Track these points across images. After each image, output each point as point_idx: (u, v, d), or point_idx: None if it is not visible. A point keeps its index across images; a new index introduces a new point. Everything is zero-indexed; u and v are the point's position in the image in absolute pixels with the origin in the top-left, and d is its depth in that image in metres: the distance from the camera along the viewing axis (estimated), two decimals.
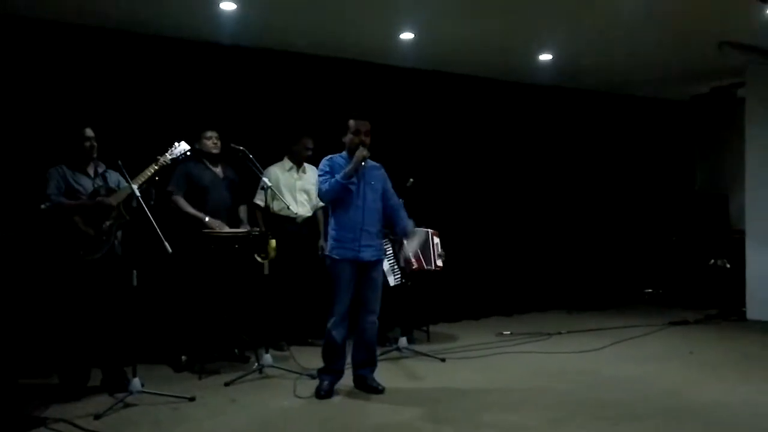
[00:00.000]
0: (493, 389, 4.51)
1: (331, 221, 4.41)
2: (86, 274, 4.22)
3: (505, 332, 6.42)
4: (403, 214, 4.62)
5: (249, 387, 4.53)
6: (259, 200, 5.51)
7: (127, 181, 4.21)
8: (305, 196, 5.73)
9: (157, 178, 4.42)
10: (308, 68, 6.43)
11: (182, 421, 3.84)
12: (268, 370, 4.76)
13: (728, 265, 8.01)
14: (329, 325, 4.32)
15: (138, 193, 4.14)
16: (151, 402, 4.08)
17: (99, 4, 4.99)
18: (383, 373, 4.59)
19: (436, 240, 5.93)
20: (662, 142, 9.08)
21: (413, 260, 5.71)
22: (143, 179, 4.30)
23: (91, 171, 4.43)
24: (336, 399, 4.28)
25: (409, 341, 5.60)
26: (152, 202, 4.31)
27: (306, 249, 5.68)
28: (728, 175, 8.53)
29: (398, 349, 5.42)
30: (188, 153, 4.63)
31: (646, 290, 8.75)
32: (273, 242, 4.81)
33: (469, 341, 6.03)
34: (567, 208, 8.20)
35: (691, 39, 6.25)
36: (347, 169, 4.25)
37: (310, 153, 5.76)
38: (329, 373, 4.39)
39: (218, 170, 5.20)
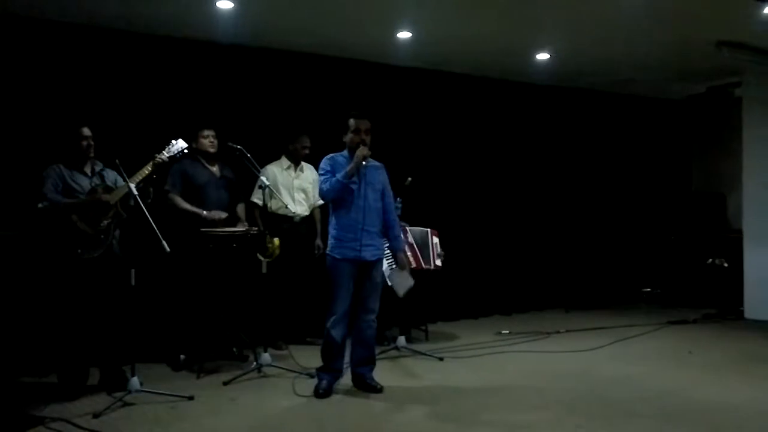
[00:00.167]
0: (492, 388, 4.51)
1: (332, 220, 4.40)
2: (84, 273, 4.21)
3: (503, 331, 6.43)
4: (397, 231, 4.61)
5: (247, 386, 4.52)
6: (257, 199, 5.50)
7: (125, 180, 4.20)
8: (303, 195, 5.73)
9: (154, 177, 4.42)
10: (306, 67, 6.43)
11: (181, 420, 3.83)
12: (266, 369, 4.75)
13: (726, 265, 8.02)
14: (328, 324, 4.31)
15: (135, 192, 4.13)
16: (150, 401, 4.08)
17: (96, 3, 4.98)
18: (382, 372, 4.59)
19: (436, 239, 5.94)
20: (660, 142, 9.09)
21: (411, 259, 5.72)
22: (140, 177, 4.30)
23: (88, 170, 4.42)
24: (334, 398, 4.28)
25: (408, 340, 5.60)
26: (150, 201, 4.31)
27: (304, 248, 5.68)
28: (725, 175, 8.54)
29: (397, 348, 5.42)
30: (185, 151, 4.62)
31: (644, 290, 8.76)
32: (277, 241, 4.81)
33: (467, 340, 6.03)
34: (565, 208, 8.20)
35: (689, 39, 6.26)
36: (348, 168, 4.25)
37: (307, 152, 5.75)
38: (328, 372, 4.38)
39: (215, 169, 5.19)
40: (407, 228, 5.85)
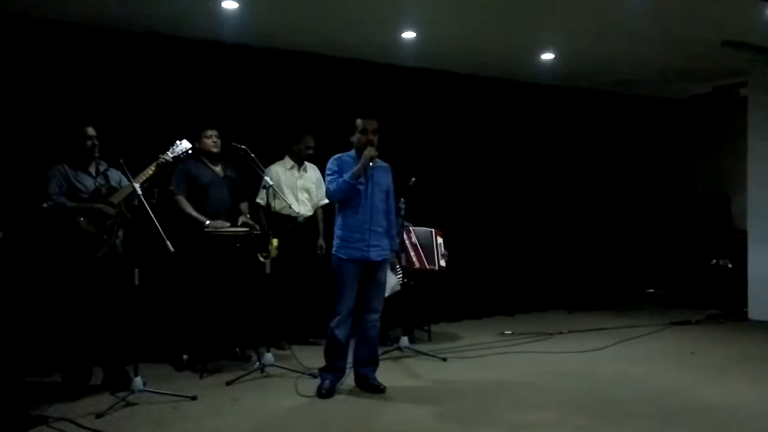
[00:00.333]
0: (494, 388, 4.51)
1: (338, 220, 4.40)
2: (88, 272, 4.22)
3: (506, 332, 6.42)
4: (394, 231, 4.63)
5: (250, 386, 4.53)
6: (261, 199, 5.51)
7: (129, 180, 4.21)
8: (306, 195, 5.73)
9: (158, 177, 4.42)
10: (309, 67, 6.43)
11: (184, 419, 3.84)
12: (269, 369, 4.75)
13: (730, 265, 7.99)
14: (333, 323, 4.32)
15: (140, 192, 4.13)
16: (153, 401, 4.09)
17: (100, 2, 4.99)
18: (384, 373, 4.59)
19: (440, 240, 5.93)
20: (664, 142, 9.07)
21: (415, 260, 5.72)
22: (144, 177, 4.31)
23: (92, 170, 4.43)
24: (337, 398, 4.28)
25: (411, 341, 5.59)
26: (154, 201, 4.31)
27: (307, 248, 5.69)
28: (730, 175, 8.51)
29: (399, 348, 5.42)
30: (189, 151, 4.62)
31: (648, 290, 8.74)
32: (275, 241, 4.82)
33: (470, 341, 6.03)
34: (569, 208, 8.19)
35: (693, 38, 6.24)
36: (355, 168, 4.25)
37: (311, 152, 5.76)
38: (331, 371, 4.39)
39: (218, 169, 5.19)
40: (411, 228, 5.85)
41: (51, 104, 5.16)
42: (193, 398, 4.16)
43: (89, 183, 4.37)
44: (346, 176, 4.25)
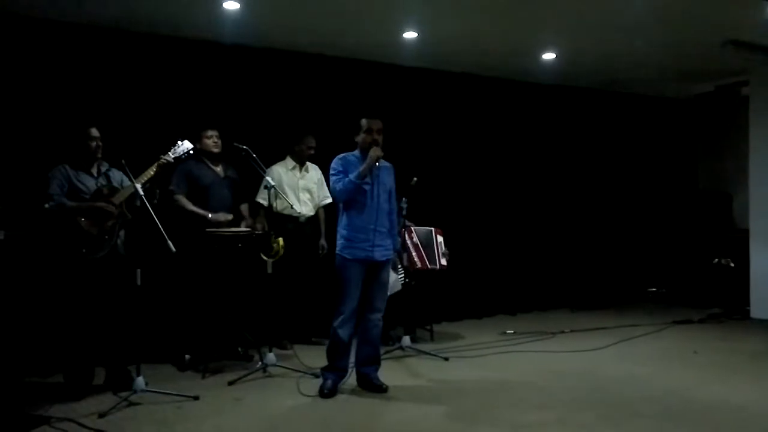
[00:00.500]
0: (496, 388, 4.51)
1: (342, 220, 4.39)
2: (90, 273, 4.22)
3: (508, 331, 6.42)
4: (395, 231, 4.63)
5: (252, 386, 4.53)
6: (263, 199, 5.51)
7: (131, 180, 4.21)
8: (308, 195, 5.74)
9: (160, 177, 4.43)
10: (311, 67, 6.44)
11: (186, 419, 3.84)
12: (271, 369, 4.76)
13: (732, 264, 7.99)
14: (336, 323, 4.31)
15: (141, 192, 4.14)
16: (155, 401, 4.09)
17: (100, 3, 4.99)
18: (386, 372, 4.59)
19: (440, 238, 5.93)
20: (665, 141, 9.06)
21: (416, 260, 5.72)
22: (146, 178, 4.31)
23: (94, 170, 4.44)
24: (339, 398, 4.28)
25: (413, 340, 5.60)
26: (155, 201, 4.30)
27: (309, 248, 5.69)
28: (732, 174, 8.52)
29: (401, 347, 5.41)
30: (191, 152, 4.63)
31: (650, 289, 8.74)
32: (281, 240, 4.82)
33: (472, 340, 6.03)
34: (570, 207, 8.19)
35: (695, 37, 6.24)
36: (361, 168, 4.25)
37: (312, 152, 5.76)
38: (333, 371, 4.39)
39: (219, 169, 5.20)
40: (413, 228, 5.85)
41: (51, 105, 5.18)
42: (196, 398, 4.16)
43: (91, 183, 4.37)
44: (352, 176, 4.25)
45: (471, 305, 7.27)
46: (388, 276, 4.55)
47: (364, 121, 4.39)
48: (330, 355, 4.39)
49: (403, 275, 5.68)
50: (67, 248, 4.20)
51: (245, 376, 4.64)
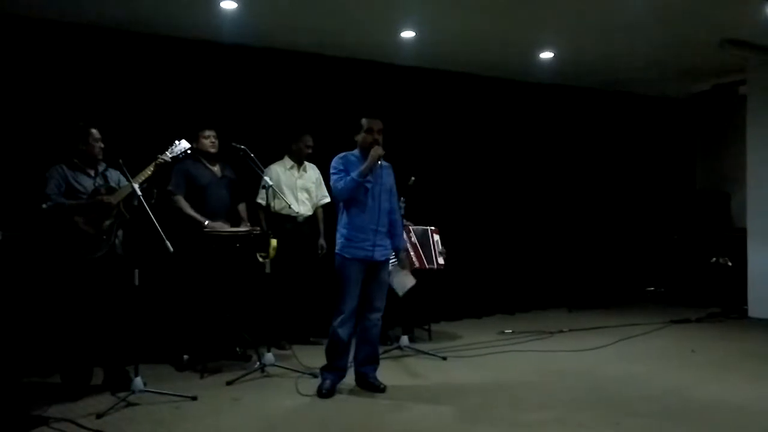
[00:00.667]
0: (495, 387, 4.51)
1: (343, 220, 4.39)
2: (87, 273, 4.22)
3: (506, 330, 6.42)
4: (400, 230, 4.64)
5: (251, 386, 4.53)
6: (261, 199, 5.51)
7: (128, 180, 4.21)
8: (306, 195, 5.73)
9: (157, 177, 4.42)
10: (309, 67, 6.43)
11: (184, 420, 3.84)
12: (269, 369, 4.75)
13: (730, 263, 7.99)
14: (336, 323, 4.31)
15: (139, 192, 4.13)
16: (153, 401, 4.08)
17: (99, 3, 4.99)
18: (385, 372, 4.59)
19: (436, 237, 5.92)
20: (663, 140, 9.08)
21: (414, 260, 5.71)
22: (143, 178, 4.30)
23: (91, 170, 4.43)
24: (338, 397, 4.28)
25: (411, 340, 5.59)
26: (153, 201, 4.31)
27: (307, 248, 5.69)
28: (730, 173, 8.52)
29: (400, 347, 5.42)
30: (188, 151, 4.62)
31: (648, 288, 8.76)
32: (274, 242, 4.82)
33: (470, 339, 6.03)
34: (568, 207, 8.19)
35: (693, 37, 6.25)
36: (363, 167, 4.25)
37: (310, 151, 5.76)
38: (332, 370, 4.38)
39: (216, 169, 5.19)
40: (410, 227, 5.85)
41: (49, 104, 5.17)
42: (194, 398, 4.16)
43: (88, 183, 4.36)
44: (354, 174, 4.24)
45: (469, 305, 7.27)
46: (387, 275, 4.54)
47: (364, 121, 4.39)
48: (329, 354, 4.39)
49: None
50: (65, 248, 4.20)
51: (243, 376, 4.64)
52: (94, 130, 4.39)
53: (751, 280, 7.30)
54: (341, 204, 4.42)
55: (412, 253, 5.73)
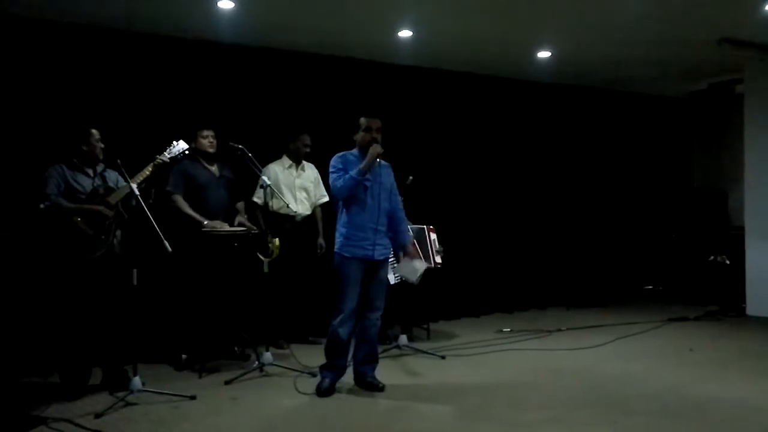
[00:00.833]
0: (493, 386, 4.51)
1: (342, 219, 4.39)
2: (86, 273, 4.22)
3: (505, 329, 6.43)
4: (405, 227, 4.63)
5: (249, 385, 4.53)
6: (258, 198, 5.51)
7: (126, 180, 4.21)
8: (304, 194, 5.73)
9: (156, 178, 4.42)
10: (306, 66, 6.43)
11: (183, 419, 3.84)
12: (268, 369, 4.75)
13: (728, 262, 8.01)
14: (335, 321, 4.31)
15: (137, 192, 4.14)
16: (152, 401, 4.09)
17: (95, 3, 4.98)
18: (383, 371, 4.59)
19: (433, 236, 5.92)
20: (661, 139, 9.09)
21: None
22: (142, 178, 4.31)
23: (90, 170, 4.43)
24: (336, 396, 4.28)
25: (409, 339, 5.60)
26: (151, 201, 4.30)
27: (305, 247, 5.69)
28: (727, 172, 8.53)
29: (398, 346, 5.42)
30: (186, 152, 4.62)
31: (646, 287, 8.77)
32: (276, 241, 4.82)
33: (469, 338, 6.04)
34: (566, 205, 8.20)
35: (691, 35, 6.26)
36: (362, 165, 4.25)
37: (308, 150, 5.76)
38: (331, 369, 4.39)
39: (214, 169, 5.18)
40: (408, 227, 5.84)
41: (47, 104, 5.16)
42: (193, 398, 4.16)
43: (87, 183, 4.36)
44: (353, 172, 4.24)
45: (468, 303, 7.28)
46: (386, 275, 4.55)
47: (363, 120, 4.40)
48: (329, 353, 4.39)
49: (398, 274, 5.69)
50: (64, 248, 4.19)
51: (242, 375, 4.64)
52: (94, 131, 4.40)
53: (749, 278, 7.32)
54: (340, 203, 4.42)
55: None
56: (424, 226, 5.92)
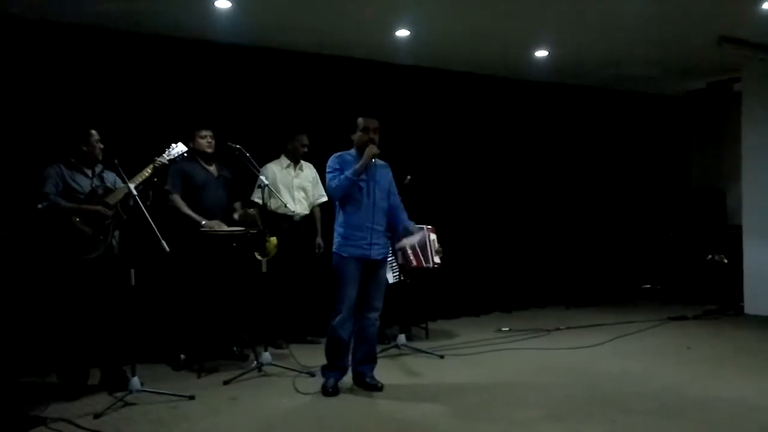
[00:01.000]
0: (492, 385, 4.51)
1: (339, 218, 4.40)
2: (84, 273, 4.22)
3: (503, 329, 6.43)
4: (404, 215, 4.63)
5: (248, 385, 4.53)
6: (257, 198, 5.50)
7: (124, 181, 4.21)
8: (303, 194, 5.73)
9: (154, 179, 4.42)
10: (303, 66, 6.43)
11: (181, 419, 3.84)
12: (267, 369, 4.75)
13: (726, 261, 8.02)
14: (335, 322, 4.31)
15: (135, 192, 4.14)
16: (151, 401, 4.08)
17: (96, 3, 4.98)
18: (382, 371, 4.59)
19: (433, 236, 5.92)
20: (659, 138, 9.09)
21: (412, 258, 5.71)
22: (141, 179, 4.31)
23: (89, 171, 4.43)
24: (335, 397, 4.28)
25: (408, 338, 5.61)
26: (149, 203, 4.30)
27: (304, 247, 5.69)
28: (725, 171, 8.54)
29: (397, 346, 5.42)
30: (185, 154, 4.62)
31: (644, 286, 8.78)
32: (274, 239, 4.82)
33: (467, 338, 6.04)
34: (564, 205, 8.20)
35: (689, 35, 6.26)
36: (357, 165, 4.26)
37: (306, 149, 5.75)
38: (334, 370, 4.39)
39: (212, 169, 5.18)
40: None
41: (46, 104, 5.15)
42: (191, 398, 4.16)
43: (85, 184, 4.36)
44: (347, 173, 4.25)
45: (466, 303, 7.28)
46: (385, 274, 4.55)
47: (360, 120, 4.40)
48: (330, 354, 4.39)
49: (398, 273, 5.69)
50: (62, 249, 4.19)
51: (241, 375, 4.64)
52: (94, 131, 4.40)
53: (747, 276, 7.32)
54: (337, 203, 4.42)
55: (409, 252, 5.72)
56: (425, 227, 5.91)
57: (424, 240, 5.82)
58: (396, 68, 6.95)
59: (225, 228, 4.93)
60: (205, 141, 5.10)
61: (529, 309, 7.66)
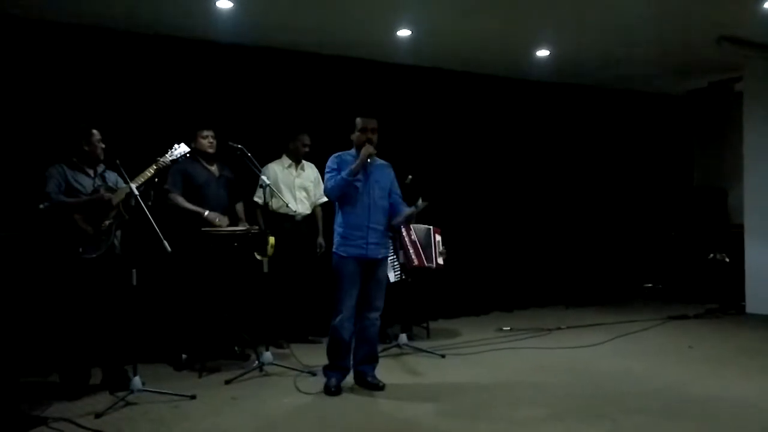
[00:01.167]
0: (493, 385, 4.52)
1: (338, 218, 4.41)
2: (86, 272, 4.22)
3: (504, 328, 6.43)
4: (401, 208, 4.62)
5: (249, 385, 4.53)
6: (258, 198, 5.51)
7: (125, 180, 4.22)
8: (304, 194, 5.74)
9: (156, 180, 4.43)
10: (305, 66, 6.43)
11: (183, 419, 3.84)
12: (268, 368, 4.76)
13: (727, 260, 8.02)
14: (335, 322, 4.31)
15: (137, 192, 4.14)
16: (152, 400, 4.09)
17: (94, 3, 4.98)
18: (383, 370, 4.60)
19: (438, 237, 5.93)
20: (660, 137, 9.09)
21: (413, 257, 5.71)
22: (143, 180, 4.30)
23: (90, 170, 4.43)
24: (337, 396, 4.28)
25: (409, 338, 5.60)
26: (150, 203, 4.30)
27: (305, 247, 5.69)
28: (726, 170, 8.53)
29: (398, 345, 5.42)
30: (187, 155, 4.63)
31: (646, 285, 8.77)
32: (272, 240, 4.82)
33: (468, 337, 6.04)
34: (566, 204, 8.20)
35: (690, 34, 6.26)
36: (353, 166, 4.27)
37: (307, 149, 5.76)
38: (335, 370, 4.39)
39: (214, 169, 5.19)
40: (412, 226, 5.84)
41: (47, 105, 5.16)
42: (193, 397, 4.16)
43: (87, 183, 4.37)
44: (343, 173, 4.27)
45: (467, 302, 7.28)
46: (385, 274, 4.56)
47: (359, 120, 4.41)
48: (332, 354, 4.39)
49: (399, 272, 5.69)
50: (64, 248, 4.20)
51: (242, 375, 4.64)
52: (95, 131, 4.41)
53: (749, 276, 7.32)
54: (336, 203, 4.43)
55: (411, 251, 5.72)
56: (430, 227, 5.92)
57: (429, 240, 5.83)
58: (397, 68, 6.96)
59: (226, 221, 4.93)
60: (207, 141, 5.11)
61: (529, 308, 7.66)
